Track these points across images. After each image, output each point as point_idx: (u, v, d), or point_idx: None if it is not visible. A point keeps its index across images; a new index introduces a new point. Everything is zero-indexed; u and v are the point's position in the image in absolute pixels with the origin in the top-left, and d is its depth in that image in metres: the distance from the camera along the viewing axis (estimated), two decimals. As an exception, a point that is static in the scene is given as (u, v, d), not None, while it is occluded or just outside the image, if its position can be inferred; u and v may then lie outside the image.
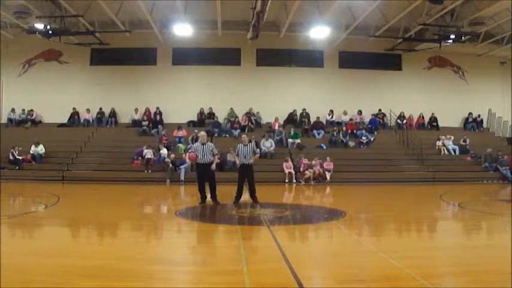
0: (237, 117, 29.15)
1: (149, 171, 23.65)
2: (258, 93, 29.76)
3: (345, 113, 30.03)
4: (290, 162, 24.00)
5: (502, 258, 7.39)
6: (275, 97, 29.65)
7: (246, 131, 27.55)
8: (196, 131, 24.63)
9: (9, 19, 24.84)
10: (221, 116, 29.26)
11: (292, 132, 27.32)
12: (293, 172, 23.55)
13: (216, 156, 14.85)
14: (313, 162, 23.81)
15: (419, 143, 26.39)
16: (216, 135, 27.38)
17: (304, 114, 29.47)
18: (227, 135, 27.88)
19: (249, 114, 29.25)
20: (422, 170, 25.02)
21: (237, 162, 14.78)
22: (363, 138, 27.61)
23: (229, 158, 23.70)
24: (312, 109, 29.42)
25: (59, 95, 28.67)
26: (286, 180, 23.27)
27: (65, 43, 27.11)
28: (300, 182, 23.13)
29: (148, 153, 24.20)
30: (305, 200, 17.93)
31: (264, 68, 30.00)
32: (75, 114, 29.04)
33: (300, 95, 29.82)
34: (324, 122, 29.56)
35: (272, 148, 25.51)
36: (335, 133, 27.67)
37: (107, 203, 15.46)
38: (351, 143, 27.41)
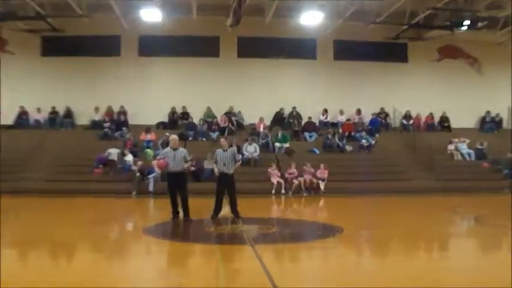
0: (215, 117, 29.10)
1: (111, 172, 23.77)
2: (240, 89, 29.78)
3: (342, 113, 30.13)
4: (277, 170, 24.01)
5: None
6: (260, 94, 29.67)
7: (226, 133, 27.53)
8: (167, 134, 24.47)
9: None
10: (196, 117, 29.18)
11: (279, 135, 27.34)
12: (282, 181, 23.58)
13: (190, 163, 14.81)
14: (305, 167, 23.85)
15: (428, 147, 26.54)
16: (190, 138, 27.30)
17: (293, 113, 29.49)
18: (204, 139, 27.78)
19: (229, 114, 29.21)
20: (432, 178, 25.13)
21: (216, 170, 14.74)
22: (363, 141, 27.72)
23: (206, 166, 23.60)
24: (303, 108, 29.48)
25: (4, 91, 28.24)
26: (273, 192, 23.27)
27: (11, 30, 26.88)
28: (288, 194, 23.18)
29: (112, 154, 24.17)
30: (295, 215, 17.92)
31: (247, 60, 30.01)
32: (23, 114, 28.79)
33: (288, 92, 29.85)
34: (317, 123, 29.63)
35: (256, 154, 25.47)
36: (330, 136, 27.71)
37: (62, 220, 15.30)
38: (349, 147, 27.50)
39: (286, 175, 23.74)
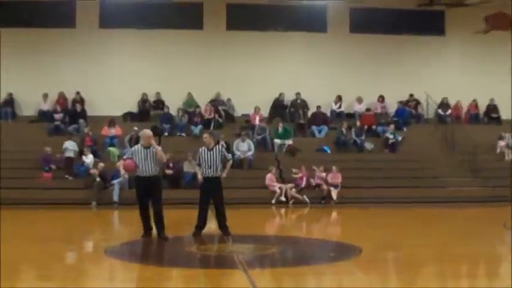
0: (197, 106, 29.13)
1: (71, 177, 23.86)
2: (229, 70, 29.74)
3: (360, 100, 30.20)
4: (276, 174, 24.07)
5: None
6: (254, 77, 29.72)
7: (212, 127, 27.58)
8: (135, 128, 24.53)
9: None
10: (174, 106, 29.18)
11: (280, 129, 27.38)
12: (284, 187, 23.64)
13: (164, 158, 14.77)
14: (315, 168, 23.88)
15: (471, 144, 26.61)
16: (166, 134, 27.38)
17: (297, 101, 29.56)
18: (183, 134, 27.89)
19: (215, 103, 29.25)
20: (476, 184, 25.22)
21: (199, 175, 14.75)
22: (389, 136, 27.77)
23: (186, 169, 23.65)
24: (310, 94, 29.57)
25: None
26: (273, 201, 23.36)
27: None
28: (288, 202, 23.34)
29: (69, 150, 24.18)
30: (301, 230, 17.93)
31: (238, 34, 30.02)
32: (-49, 103, 28.80)
33: (291, 74, 29.91)
34: (328, 114, 29.73)
35: (251, 153, 25.56)
36: (344, 130, 27.80)
37: (2, 237, 15.29)
38: (369, 145, 27.61)
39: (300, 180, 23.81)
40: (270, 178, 23.82)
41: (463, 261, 12.00)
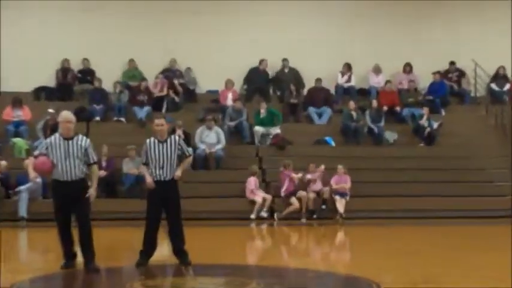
0: (144, 79, 29.12)
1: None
2: (188, 28, 29.84)
3: (377, 71, 30.31)
4: (256, 178, 24.16)
5: None
6: (225, 37, 29.85)
7: (165, 110, 27.71)
8: (51, 110, 24.46)
9: None
10: (109, 78, 29.20)
11: (263, 112, 27.43)
12: (268, 198, 23.70)
13: (96, 166, 14.70)
14: (309, 176, 23.95)
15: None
16: (97, 118, 27.38)
17: (285, 72, 29.73)
18: (122, 119, 27.91)
19: (169, 74, 29.31)
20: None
21: (147, 177, 14.66)
22: (424, 123, 27.81)
23: (126, 170, 23.65)
24: (306, 62, 29.75)
25: None
26: (253, 216, 23.45)
27: None
28: (273, 218, 23.45)
29: None
30: (293, 258, 17.94)
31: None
32: None
33: (278, 33, 30.00)
34: (332, 90, 29.85)
35: (220, 146, 25.62)
36: (355, 113, 27.91)
37: None
38: (390, 135, 27.70)
39: (285, 183, 23.82)
40: (253, 183, 23.84)
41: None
